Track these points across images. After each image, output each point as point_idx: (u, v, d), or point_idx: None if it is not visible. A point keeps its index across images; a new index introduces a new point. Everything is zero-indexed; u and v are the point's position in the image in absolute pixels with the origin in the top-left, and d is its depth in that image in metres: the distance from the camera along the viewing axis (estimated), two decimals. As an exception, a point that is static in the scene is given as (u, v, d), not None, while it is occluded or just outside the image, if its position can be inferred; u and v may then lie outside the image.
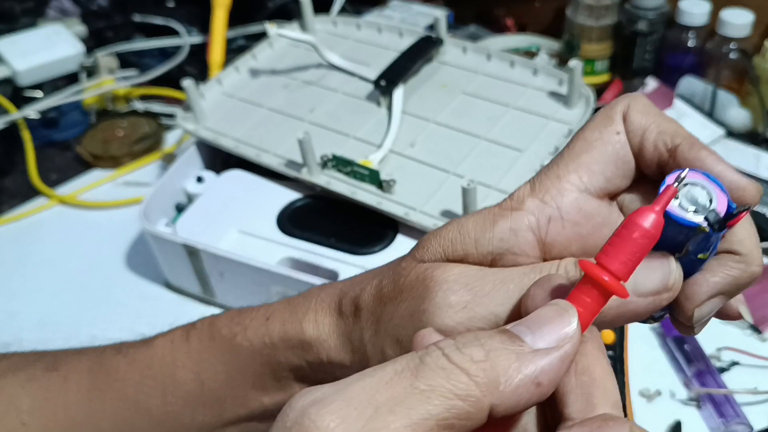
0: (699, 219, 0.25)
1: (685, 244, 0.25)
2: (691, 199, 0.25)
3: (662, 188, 0.25)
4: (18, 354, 0.44)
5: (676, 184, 0.24)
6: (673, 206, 0.25)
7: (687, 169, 0.25)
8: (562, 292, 0.25)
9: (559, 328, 0.23)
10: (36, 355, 0.44)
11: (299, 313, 0.35)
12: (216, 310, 0.64)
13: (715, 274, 0.27)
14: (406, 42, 0.72)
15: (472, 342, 0.22)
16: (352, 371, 0.22)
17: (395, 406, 0.21)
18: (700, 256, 0.26)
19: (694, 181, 0.25)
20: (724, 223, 0.25)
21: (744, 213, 0.25)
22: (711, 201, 0.25)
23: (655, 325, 0.61)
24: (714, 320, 0.57)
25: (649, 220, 0.23)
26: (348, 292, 0.34)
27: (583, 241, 0.29)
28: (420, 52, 0.69)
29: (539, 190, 0.29)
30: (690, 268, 0.27)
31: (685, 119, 0.76)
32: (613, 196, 0.30)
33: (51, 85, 0.90)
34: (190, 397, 0.39)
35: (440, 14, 0.71)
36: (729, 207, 0.25)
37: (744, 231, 0.27)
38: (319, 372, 0.35)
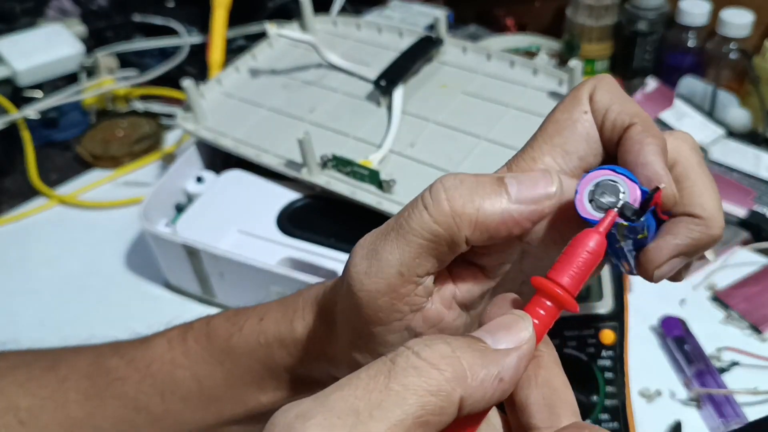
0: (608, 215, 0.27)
1: (619, 235, 0.28)
2: (606, 197, 0.27)
3: (578, 186, 0.28)
4: (16, 353, 0.44)
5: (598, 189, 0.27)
6: (589, 209, 0.27)
7: (596, 170, 0.28)
8: (517, 305, 0.27)
9: (516, 332, 0.25)
10: (34, 354, 0.44)
11: (290, 312, 0.36)
12: (216, 310, 0.65)
13: (675, 237, 0.29)
14: (406, 42, 0.72)
15: (438, 340, 0.24)
16: (343, 367, 0.23)
17: (374, 410, 0.22)
18: (640, 236, 0.28)
19: (607, 179, 0.27)
20: (643, 208, 0.27)
21: (657, 192, 0.27)
22: (623, 194, 0.27)
23: (656, 325, 0.61)
24: (714, 320, 0.59)
25: (594, 241, 0.26)
26: (328, 288, 0.34)
27: (561, 219, 0.29)
28: (420, 52, 0.69)
29: (502, 174, 0.30)
30: (639, 246, 0.29)
31: (685, 119, 0.76)
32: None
33: (51, 85, 0.90)
34: (189, 397, 0.39)
35: (440, 14, 0.71)
36: (643, 192, 0.27)
37: (705, 195, 0.29)
38: (315, 370, 0.35)
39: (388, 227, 0.29)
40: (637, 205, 0.27)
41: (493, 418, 0.26)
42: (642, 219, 0.27)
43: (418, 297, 0.29)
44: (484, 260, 0.30)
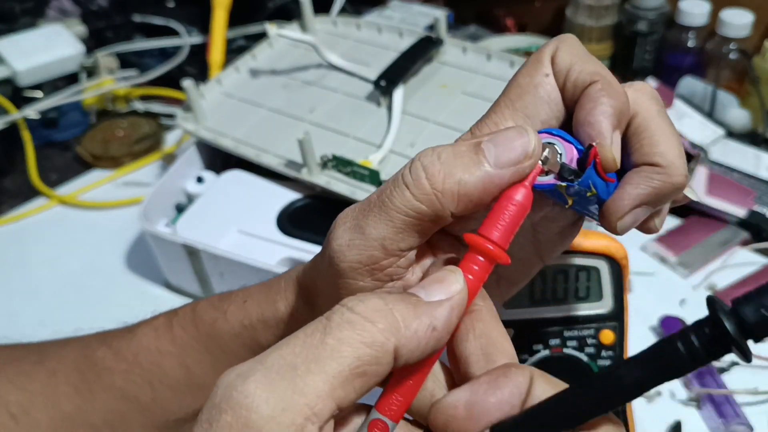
0: (549, 179, 0.28)
1: (565, 195, 0.28)
2: (547, 160, 0.28)
3: None
4: (3, 347, 0.44)
5: (541, 159, 0.27)
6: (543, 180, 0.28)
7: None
8: (453, 263, 0.28)
9: (448, 285, 0.26)
10: (23, 348, 0.44)
11: (273, 294, 0.36)
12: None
13: (636, 187, 0.28)
14: (406, 42, 0.72)
15: (372, 296, 0.25)
16: None
17: (311, 364, 0.23)
18: (588, 195, 0.28)
19: (546, 141, 0.28)
20: (581, 167, 0.28)
21: (592, 149, 0.27)
22: (560, 155, 0.28)
23: (656, 325, 0.61)
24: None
25: (520, 194, 0.27)
26: (309, 266, 0.35)
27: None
28: (420, 53, 0.69)
29: (479, 138, 0.29)
30: (589, 204, 0.29)
31: (685, 119, 0.76)
32: None
33: (51, 86, 0.90)
34: (178, 385, 0.39)
35: (440, 14, 0.71)
36: (579, 152, 0.28)
37: (664, 143, 0.28)
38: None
39: (371, 203, 0.29)
40: (574, 164, 0.28)
41: (437, 373, 0.27)
42: (581, 178, 0.27)
43: (400, 268, 0.29)
44: (462, 229, 0.30)
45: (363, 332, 0.23)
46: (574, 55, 0.29)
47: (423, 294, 0.25)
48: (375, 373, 0.23)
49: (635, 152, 0.29)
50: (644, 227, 0.31)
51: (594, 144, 0.27)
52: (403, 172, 0.28)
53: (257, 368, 0.23)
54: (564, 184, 0.28)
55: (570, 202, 0.29)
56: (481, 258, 0.27)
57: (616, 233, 0.30)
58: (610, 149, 0.28)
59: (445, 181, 0.27)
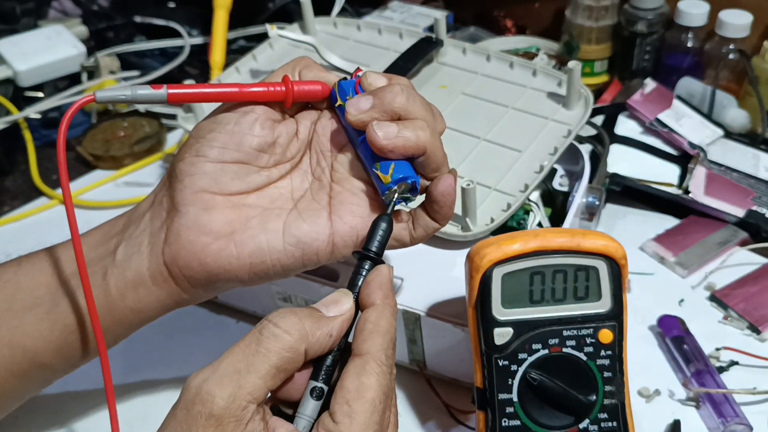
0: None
1: (340, 94, 0.43)
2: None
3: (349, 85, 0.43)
4: None
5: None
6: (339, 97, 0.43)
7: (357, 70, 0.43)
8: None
9: (341, 304, 0.37)
10: None
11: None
12: (216, 310, 0.65)
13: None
14: (406, 43, 0.72)
15: (289, 313, 0.35)
16: None
17: (250, 367, 0.33)
18: (348, 98, 0.42)
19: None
20: (350, 80, 0.43)
21: (357, 70, 0.43)
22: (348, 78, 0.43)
23: (654, 324, 0.61)
24: (712, 320, 0.59)
25: (322, 87, 0.44)
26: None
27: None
28: (420, 53, 0.70)
29: None
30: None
31: (684, 120, 0.76)
32: None
33: (52, 86, 0.90)
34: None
35: (440, 15, 0.71)
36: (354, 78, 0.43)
37: (372, 77, 0.43)
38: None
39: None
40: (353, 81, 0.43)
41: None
42: (348, 81, 0.43)
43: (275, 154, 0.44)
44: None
45: (284, 342, 0.34)
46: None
47: (324, 310, 0.36)
48: (293, 368, 0.35)
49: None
50: (368, 131, 0.40)
51: (362, 71, 0.43)
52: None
53: (214, 375, 0.33)
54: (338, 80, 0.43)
55: (339, 101, 0.43)
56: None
57: (347, 114, 0.40)
58: (369, 76, 0.42)
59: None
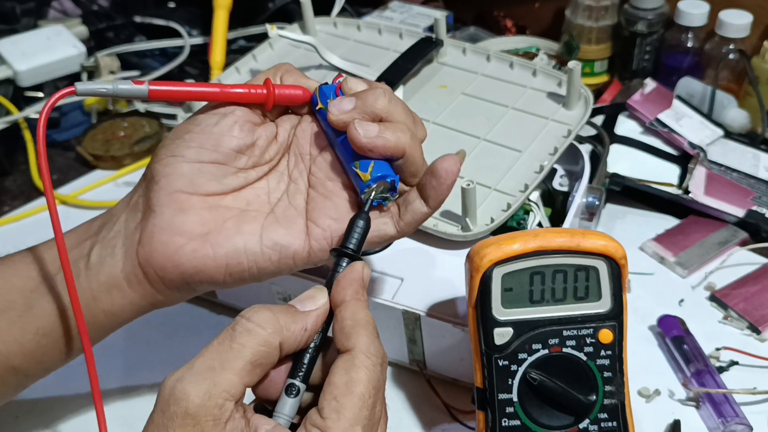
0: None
1: (320, 98, 0.43)
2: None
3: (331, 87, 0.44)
4: None
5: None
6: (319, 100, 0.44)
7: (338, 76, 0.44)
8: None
9: (316, 300, 0.37)
10: None
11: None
12: (216, 310, 0.65)
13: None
14: (405, 43, 0.72)
15: (263, 308, 0.35)
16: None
17: (224, 363, 0.33)
18: (329, 101, 0.43)
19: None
20: (331, 84, 0.44)
21: (339, 75, 0.45)
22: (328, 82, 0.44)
23: (654, 324, 0.61)
24: (712, 320, 0.59)
25: (302, 90, 0.44)
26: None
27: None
28: (420, 53, 0.70)
29: None
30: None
31: (684, 120, 0.76)
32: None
33: (52, 86, 0.90)
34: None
35: (440, 15, 0.71)
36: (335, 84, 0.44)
37: (352, 82, 0.43)
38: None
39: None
40: (334, 86, 0.44)
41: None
42: (330, 86, 0.44)
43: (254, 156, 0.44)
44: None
45: (258, 337, 0.34)
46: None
47: (299, 306, 0.37)
48: (269, 363, 0.35)
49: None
50: (350, 129, 0.40)
51: (343, 76, 0.44)
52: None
53: (187, 373, 0.33)
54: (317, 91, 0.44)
55: (319, 105, 0.43)
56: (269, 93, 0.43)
57: (330, 114, 0.41)
58: (350, 81, 0.43)
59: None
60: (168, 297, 0.43)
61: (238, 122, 0.42)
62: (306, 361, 0.36)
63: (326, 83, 0.44)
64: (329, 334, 0.37)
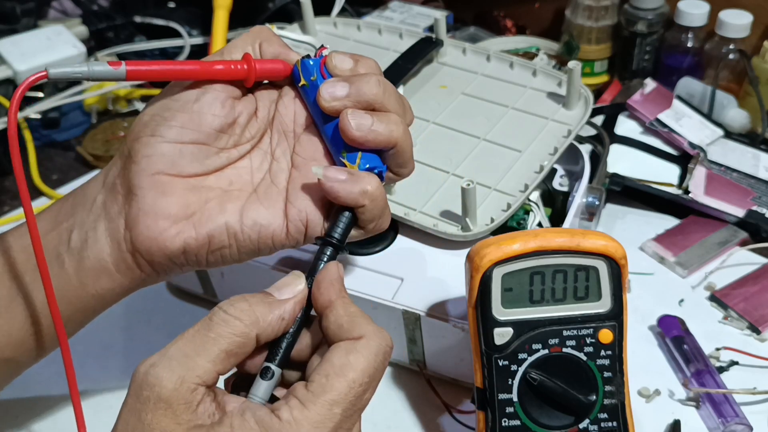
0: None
1: (303, 73, 0.42)
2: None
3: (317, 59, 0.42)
4: None
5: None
6: (300, 75, 0.42)
7: (322, 47, 0.43)
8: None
9: (294, 286, 0.37)
10: None
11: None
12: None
13: (338, 78, 0.41)
14: (406, 43, 0.72)
15: (240, 300, 0.35)
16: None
17: (199, 350, 0.33)
18: (312, 78, 0.42)
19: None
20: (314, 59, 0.42)
21: (322, 48, 0.43)
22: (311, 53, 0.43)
23: (654, 324, 0.61)
24: (712, 320, 0.59)
25: (283, 64, 0.43)
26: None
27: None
28: (420, 53, 0.70)
29: None
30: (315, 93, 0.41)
31: (684, 120, 0.76)
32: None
33: (52, 86, 0.90)
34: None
35: (440, 15, 0.71)
36: (319, 58, 0.42)
37: (365, 67, 0.42)
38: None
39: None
40: (314, 55, 0.42)
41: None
42: (316, 59, 0.42)
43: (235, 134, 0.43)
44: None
45: (234, 327, 0.34)
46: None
47: (276, 294, 0.37)
48: (244, 353, 0.35)
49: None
50: (342, 119, 0.40)
51: (326, 48, 0.42)
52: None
53: (162, 360, 0.33)
54: (299, 62, 0.42)
55: (302, 81, 0.42)
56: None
57: (320, 99, 0.40)
58: (335, 57, 0.42)
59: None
60: (155, 278, 0.43)
61: (219, 98, 0.41)
62: (283, 346, 0.36)
63: (308, 56, 0.42)
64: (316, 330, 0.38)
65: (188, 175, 0.41)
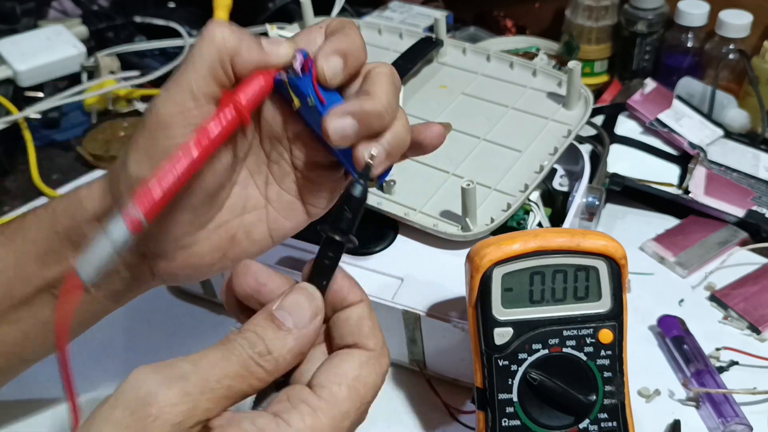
0: (283, 75, 0.37)
1: (295, 93, 0.37)
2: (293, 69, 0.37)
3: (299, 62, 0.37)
4: None
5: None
6: (282, 76, 0.37)
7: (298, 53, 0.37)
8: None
9: (309, 311, 0.34)
10: None
11: (81, 192, 0.43)
12: (217, 310, 0.65)
13: (348, 100, 0.37)
14: (406, 43, 0.72)
15: (257, 342, 0.33)
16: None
17: (205, 389, 0.31)
18: (310, 104, 0.37)
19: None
20: (302, 69, 0.36)
21: (308, 58, 0.37)
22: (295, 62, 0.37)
23: (654, 324, 0.61)
24: (712, 320, 0.59)
25: (260, 79, 0.37)
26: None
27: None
28: (420, 53, 0.70)
29: None
30: (315, 117, 0.37)
31: (684, 120, 0.76)
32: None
33: (52, 86, 0.90)
34: None
35: (440, 15, 0.71)
36: (305, 58, 0.37)
37: (378, 83, 0.37)
38: (88, 229, 0.41)
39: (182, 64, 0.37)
40: (297, 66, 0.36)
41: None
42: (306, 75, 0.36)
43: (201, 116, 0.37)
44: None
45: (256, 380, 0.32)
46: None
47: (290, 321, 0.33)
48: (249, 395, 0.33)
49: (359, 90, 0.37)
50: (356, 154, 0.37)
51: (309, 59, 0.37)
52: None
53: (171, 391, 0.30)
54: (286, 76, 0.37)
55: (296, 102, 0.37)
56: (229, 111, 0.36)
57: (329, 139, 0.36)
58: (325, 62, 0.36)
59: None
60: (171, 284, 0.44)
61: (230, 164, 0.40)
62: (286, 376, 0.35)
63: (291, 67, 0.37)
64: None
65: (205, 223, 0.41)
